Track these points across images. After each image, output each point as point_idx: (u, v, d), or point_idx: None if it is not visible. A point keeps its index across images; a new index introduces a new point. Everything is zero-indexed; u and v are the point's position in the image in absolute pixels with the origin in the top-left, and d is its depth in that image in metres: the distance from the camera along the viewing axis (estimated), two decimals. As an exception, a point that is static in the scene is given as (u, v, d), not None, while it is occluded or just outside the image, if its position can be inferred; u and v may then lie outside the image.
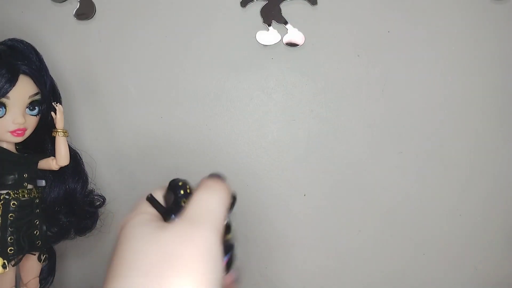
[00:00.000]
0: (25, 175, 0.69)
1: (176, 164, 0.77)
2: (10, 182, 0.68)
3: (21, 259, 0.68)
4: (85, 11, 0.75)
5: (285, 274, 0.79)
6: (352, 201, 0.77)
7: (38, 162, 0.71)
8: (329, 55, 0.75)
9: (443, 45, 0.74)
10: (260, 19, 0.73)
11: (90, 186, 0.77)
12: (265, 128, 0.76)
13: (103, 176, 0.80)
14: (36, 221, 0.70)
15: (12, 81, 0.64)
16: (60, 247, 0.79)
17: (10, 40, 0.68)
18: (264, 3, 0.73)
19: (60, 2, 0.75)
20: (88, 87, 0.78)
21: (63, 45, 0.76)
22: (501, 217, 0.77)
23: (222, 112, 0.76)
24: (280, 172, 0.77)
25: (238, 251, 0.81)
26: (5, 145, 0.69)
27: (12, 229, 0.67)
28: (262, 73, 0.75)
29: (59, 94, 0.72)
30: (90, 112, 0.78)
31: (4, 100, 0.64)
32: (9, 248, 0.67)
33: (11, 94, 0.64)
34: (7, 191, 0.67)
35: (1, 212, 0.67)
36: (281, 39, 0.74)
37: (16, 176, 0.68)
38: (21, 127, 0.66)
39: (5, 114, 0.66)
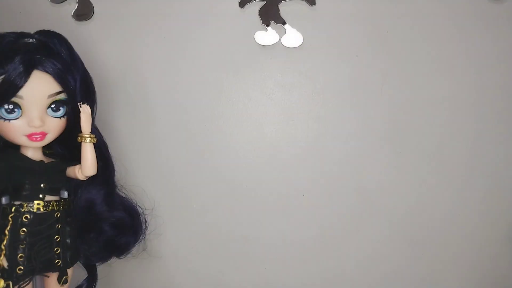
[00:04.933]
0: (43, 185, 0.60)
1: (174, 165, 0.77)
2: (24, 193, 0.60)
3: (29, 281, 0.60)
4: (84, 12, 0.75)
5: (284, 274, 0.79)
6: (351, 201, 0.77)
7: (65, 170, 0.63)
8: (328, 56, 0.75)
9: (441, 45, 0.74)
10: (258, 20, 0.73)
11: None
12: (264, 128, 0.76)
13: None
14: (57, 238, 0.61)
15: (24, 77, 0.55)
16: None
17: (40, 32, 0.61)
18: (263, 3, 0.73)
19: (58, 3, 0.75)
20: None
21: (61, 46, 0.76)
22: (500, 217, 0.77)
23: (221, 113, 0.76)
24: (279, 172, 0.77)
25: (238, 251, 0.81)
26: (30, 151, 0.61)
27: (24, 246, 0.59)
28: (260, 74, 0.75)
29: (93, 93, 0.64)
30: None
31: (17, 99, 0.57)
32: (19, 267, 0.58)
33: (26, 92, 0.56)
34: (20, 202, 0.60)
35: (11, 226, 0.59)
36: (280, 40, 0.74)
37: (29, 186, 0.60)
38: (39, 130, 0.58)
39: (21, 115, 0.58)
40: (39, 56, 0.57)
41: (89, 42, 0.76)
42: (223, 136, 0.76)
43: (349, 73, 0.75)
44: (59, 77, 0.58)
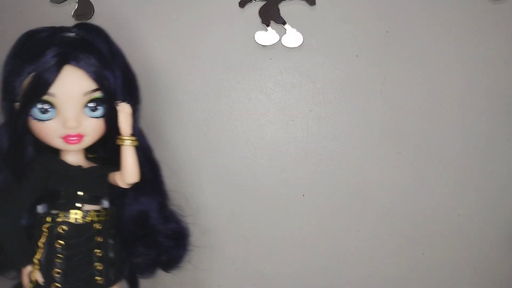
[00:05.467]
0: (80, 193, 0.55)
1: (174, 165, 0.77)
2: (60, 201, 0.55)
3: None
4: (84, 12, 0.75)
5: (285, 274, 0.79)
6: (351, 201, 0.77)
7: (107, 177, 0.58)
8: (328, 56, 0.75)
9: (442, 45, 0.74)
10: (258, 20, 0.73)
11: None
12: (264, 128, 0.76)
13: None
14: (98, 252, 0.56)
15: (54, 72, 0.51)
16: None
17: (78, 25, 0.57)
18: (263, 3, 0.73)
19: (58, 3, 0.75)
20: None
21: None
22: (501, 217, 0.77)
23: (221, 113, 0.76)
24: (279, 172, 0.77)
25: (238, 251, 0.81)
26: (70, 156, 0.56)
27: (61, 260, 0.54)
28: (260, 74, 0.75)
29: (136, 91, 0.59)
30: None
31: (49, 97, 0.52)
32: (55, 285, 0.54)
33: (58, 89, 0.52)
34: (57, 211, 0.55)
35: (47, 238, 0.54)
36: (280, 40, 0.74)
37: (65, 193, 0.55)
38: (74, 132, 0.53)
39: (54, 116, 0.53)
40: (73, 50, 0.52)
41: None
42: (223, 136, 0.76)
43: (349, 73, 0.74)
44: (94, 74, 0.53)
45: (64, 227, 0.54)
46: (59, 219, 0.55)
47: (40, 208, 0.57)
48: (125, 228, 0.60)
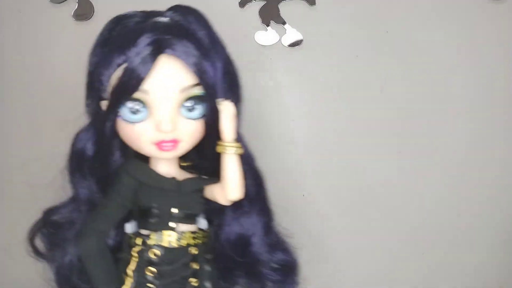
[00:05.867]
0: (175, 210, 0.46)
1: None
2: (151, 220, 0.46)
3: None
4: (84, 12, 0.75)
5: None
6: (351, 201, 0.77)
7: (203, 191, 0.49)
8: (328, 56, 0.75)
9: (442, 45, 0.74)
10: (258, 20, 0.73)
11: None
12: (264, 129, 0.76)
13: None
14: (193, 281, 0.47)
15: (148, 63, 0.42)
16: None
17: (172, 8, 0.48)
18: (263, 3, 0.73)
19: (58, 3, 0.75)
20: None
21: (61, 46, 0.76)
22: (501, 217, 0.76)
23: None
24: (278, 173, 0.77)
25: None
26: (162, 165, 0.47)
27: None
28: (260, 74, 0.75)
29: (238, 87, 0.51)
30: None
31: (141, 95, 0.43)
32: None
33: (152, 85, 0.43)
34: (148, 232, 0.46)
35: (136, 266, 0.46)
36: (280, 40, 0.74)
37: (158, 211, 0.46)
38: (169, 137, 0.45)
39: (146, 117, 0.44)
40: (168, 37, 0.44)
41: (89, 42, 0.76)
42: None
43: (349, 73, 0.74)
44: (194, 65, 0.44)
45: (157, 252, 0.46)
46: (150, 242, 0.46)
47: (129, 227, 0.49)
48: (221, 253, 0.50)
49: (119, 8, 0.75)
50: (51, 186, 0.53)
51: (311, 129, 0.76)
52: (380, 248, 0.78)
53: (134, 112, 0.45)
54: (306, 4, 0.73)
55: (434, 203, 0.76)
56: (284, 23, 0.73)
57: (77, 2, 0.74)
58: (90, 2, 0.75)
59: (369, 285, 0.79)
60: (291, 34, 0.73)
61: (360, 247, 0.78)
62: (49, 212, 0.54)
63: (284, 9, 0.73)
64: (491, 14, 0.73)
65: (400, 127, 0.75)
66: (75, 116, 0.79)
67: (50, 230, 0.53)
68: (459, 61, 0.74)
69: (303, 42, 0.74)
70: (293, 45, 0.74)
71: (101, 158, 0.49)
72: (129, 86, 0.43)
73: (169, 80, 0.44)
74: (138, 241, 0.47)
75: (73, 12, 0.75)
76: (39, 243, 0.55)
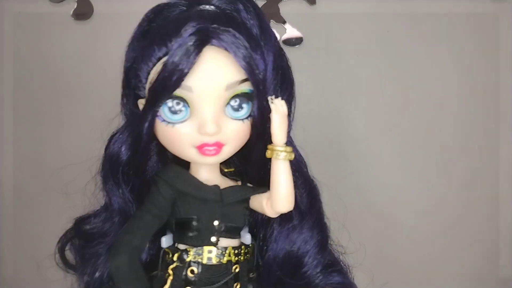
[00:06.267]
0: (216, 222, 0.41)
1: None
2: (190, 233, 0.41)
3: None
4: (83, 11, 0.75)
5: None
6: (352, 201, 0.77)
7: (249, 201, 0.44)
8: (328, 55, 0.74)
9: (443, 44, 0.73)
10: (258, 19, 0.73)
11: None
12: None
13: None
14: None
15: (192, 55, 0.37)
16: None
17: None
18: (263, 2, 0.73)
19: (57, 2, 0.75)
20: (85, 87, 0.77)
21: (60, 45, 0.76)
22: (503, 217, 0.76)
23: (221, 113, 0.76)
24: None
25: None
26: (204, 171, 0.43)
27: None
28: (260, 73, 0.75)
29: (290, 84, 0.46)
30: (87, 113, 0.78)
31: (184, 92, 0.39)
32: None
33: (196, 80, 0.38)
34: (186, 247, 0.42)
35: (171, 283, 0.41)
36: (280, 39, 0.73)
37: (197, 223, 0.41)
38: (213, 140, 0.40)
39: (188, 117, 0.40)
40: (215, 26, 0.39)
41: (88, 42, 0.76)
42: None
43: (349, 73, 0.74)
44: (243, 58, 0.39)
45: (195, 270, 0.41)
46: (188, 258, 0.41)
47: (165, 241, 0.44)
48: (266, 273, 0.44)
49: (118, 7, 0.75)
50: (84, 193, 0.50)
51: (311, 129, 0.76)
52: (381, 248, 0.77)
53: (175, 112, 0.40)
54: (306, 4, 0.73)
55: (436, 203, 0.76)
56: (284, 22, 0.73)
57: (76, 2, 0.74)
58: (89, 2, 0.75)
59: (369, 285, 0.79)
60: (291, 33, 0.73)
61: (361, 248, 0.78)
62: (80, 221, 0.50)
63: (284, 9, 0.73)
64: (492, 14, 0.73)
65: (401, 127, 0.75)
66: (75, 116, 0.79)
67: (81, 242, 0.48)
68: (460, 61, 0.74)
69: (303, 42, 0.73)
70: (293, 44, 0.73)
71: (137, 164, 0.45)
72: (170, 82, 0.38)
73: (215, 76, 0.39)
74: (175, 257, 0.42)
75: (72, 11, 0.75)
76: (68, 253, 0.52)
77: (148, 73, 0.41)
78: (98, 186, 0.48)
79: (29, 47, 0.75)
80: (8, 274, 0.75)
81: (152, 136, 0.43)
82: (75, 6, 0.74)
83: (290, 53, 0.75)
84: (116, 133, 0.46)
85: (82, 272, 0.48)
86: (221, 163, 0.45)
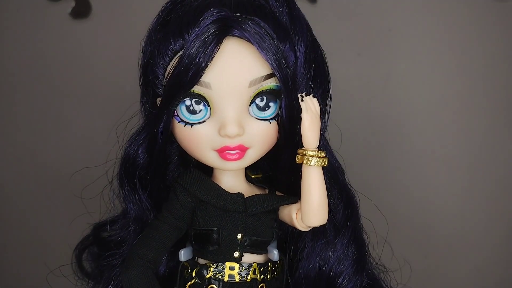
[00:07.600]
0: (240, 236, 0.37)
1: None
2: (210, 248, 0.37)
3: None
4: (81, 10, 0.75)
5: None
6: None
7: (277, 211, 0.39)
8: (330, 54, 0.73)
9: (444, 43, 0.73)
10: (258, 19, 0.73)
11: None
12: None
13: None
14: None
15: (210, 46, 0.33)
16: None
17: None
18: (263, 1, 0.72)
19: (56, 1, 0.75)
20: (84, 86, 0.77)
21: (59, 44, 0.76)
22: (504, 217, 0.76)
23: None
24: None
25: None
26: (227, 178, 0.39)
27: None
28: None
29: (325, 79, 0.40)
30: (86, 112, 0.78)
31: (202, 90, 0.35)
32: None
33: (215, 76, 0.34)
34: (206, 262, 0.38)
35: None
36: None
37: (218, 236, 0.37)
38: (235, 143, 0.36)
39: (208, 117, 0.36)
40: (238, 14, 0.34)
41: (87, 40, 0.76)
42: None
43: (351, 72, 0.74)
44: (269, 50, 0.34)
45: (215, 287, 0.37)
46: (208, 275, 0.37)
47: (184, 255, 0.40)
48: None
49: (116, 6, 0.75)
50: (100, 199, 0.47)
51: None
52: (381, 248, 0.77)
53: (192, 111, 0.36)
54: (307, 2, 0.73)
55: (437, 203, 0.76)
56: (284, 21, 0.72)
57: (75, 0, 0.74)
58: (88, 1, 0.75)
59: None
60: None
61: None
62: (99, 227, 0.47)
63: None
64: (494, 13, 0.72)
65: (403, 126, 0.74)
66: (74, 115, 0.79)
67: (99, 251, 0.45)
68: (462, 59, 0.73)
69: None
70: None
71: (154, 168, 0.40)
72: (186, 78, 0.34)
73: (236, 70, 0.35)
74: (193, 273, 0.38)
75: (70, 10, 0.75)
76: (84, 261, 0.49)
77: (165, 69, 0.37)
78: (116, 192, 0.45)
79: (28, 45, 0.75)
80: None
81: (169, 138, 0.39)
82: (73, 5, 0.74)
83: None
84: (134, 134, 0.43)
85: (97, 283, 0.45)
86: (247, 169, 0.41)
